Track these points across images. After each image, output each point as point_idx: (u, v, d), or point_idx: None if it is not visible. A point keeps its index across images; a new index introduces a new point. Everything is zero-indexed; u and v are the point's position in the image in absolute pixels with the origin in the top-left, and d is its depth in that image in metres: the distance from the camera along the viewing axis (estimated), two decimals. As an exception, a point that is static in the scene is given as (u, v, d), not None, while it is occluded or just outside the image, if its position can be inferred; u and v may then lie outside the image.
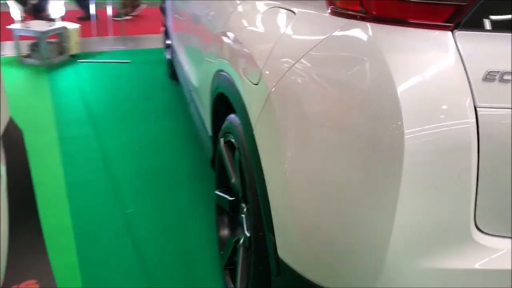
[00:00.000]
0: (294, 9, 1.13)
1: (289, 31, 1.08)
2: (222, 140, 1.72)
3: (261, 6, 1.34)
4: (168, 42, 4.14)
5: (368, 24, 0.87)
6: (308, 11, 1.07)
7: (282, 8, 1.20)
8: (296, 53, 1.01)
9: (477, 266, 0.88)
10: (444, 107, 0.81)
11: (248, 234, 1.38)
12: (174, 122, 3.24)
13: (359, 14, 0.89)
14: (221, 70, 1.59)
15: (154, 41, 5.23)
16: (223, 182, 1.85)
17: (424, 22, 0.83)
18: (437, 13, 0.82)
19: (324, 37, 0.94)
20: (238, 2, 1.54)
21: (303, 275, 1.06)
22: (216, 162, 1.86)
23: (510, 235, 0.89)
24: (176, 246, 2.00)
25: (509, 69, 0.80)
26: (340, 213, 0.92)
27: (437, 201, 0.84)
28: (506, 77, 0.80)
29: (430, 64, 0.82)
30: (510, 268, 0.86)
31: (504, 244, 0.88)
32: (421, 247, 0.86)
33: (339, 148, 0.90)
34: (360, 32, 0.88)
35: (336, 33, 0.92)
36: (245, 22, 1.38)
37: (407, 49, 0.83)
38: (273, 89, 1.07)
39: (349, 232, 0.91)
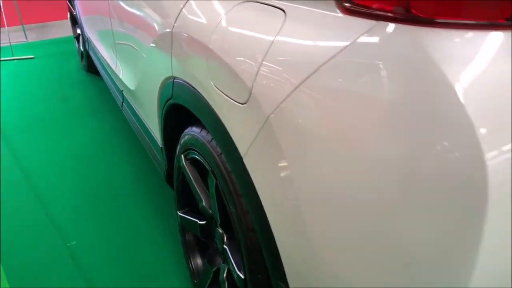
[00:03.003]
0: (281, 5, 0.89)
1: (283, 36, 0.85)
2: (183, 157, 1.46)
3: (223, 1, 1.08)
4: (78, 31, 3.66)
5: (410, 28, 0.67)
6: (304, 7, 0.84)
7: (261, 3, 0.95)
8: (303, 67, 0.78)
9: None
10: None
11: (241, 275, 1.16)
12: (103, 124, 2.86)
13: (394, 15, 0.68)
14: (176, 78, 1.32)
15: (59, 29, 4.65)
16: (186, 203, 1.61)
17: (482, 22, 0.65)
18: (497, 9, 0.64)
19: (345, 44, 0.72)
20: (182, 2, 1.26)
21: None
22: (175, 180, 1.60)
23: None
24: (135, 275, 1.73)
25: None
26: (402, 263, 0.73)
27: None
28: None
29: (496, 74, 0.65)
30: None
31: None
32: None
33: (387, 182, 0.71)
34: (400, 38, 0.67)
35: (363, 39, 0.71)
36: (206, 21, 1.11)
37: (467, 58, 0.65)
38: (273, 112, 0.84)
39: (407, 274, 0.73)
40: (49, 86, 3.46)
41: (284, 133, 0.83)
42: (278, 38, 0.86)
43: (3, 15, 4.23)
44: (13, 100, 3.22)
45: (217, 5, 1.10)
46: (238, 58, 0.96)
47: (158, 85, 1.50)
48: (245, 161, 0.98)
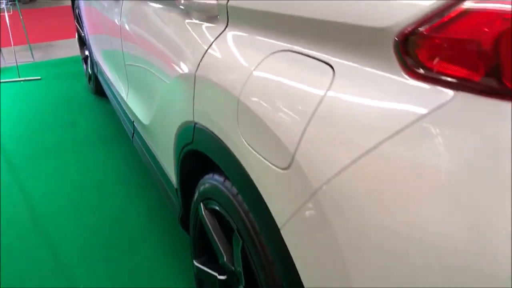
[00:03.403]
0: (328, 60, 0.78)
1: (333, 97, 0.73)
2: (202, 206, 1.34)
3: (256, 48, 0.96)
4: (87, 52, 3.58)
5: (500, 102, 0.55)
6: (357, 66, 0.73)
7: (301, 54, 0.84)
8: (366, 136, 0.66)
9: None
10: None
11: None
12: (112, 153, 2.74)
13: (480, 86, 0.57)
14: (197, 123, 1.21)
15: (66, 49, 4.57)
16: (204, 252, 1.48)
17: None
18: None
19: (419, 113, 0.60)
20: (210, 38, 1.15)
21: None
22: (192, 227, 1.48)
23: None
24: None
25: None
26: None
27: None
28: None
29: None
30: None
31: None
32: None
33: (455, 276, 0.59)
34: (489, 112, 0.56)
35: (441, 109, 0.59)
36: (236, 69, 1.00)
37: None
38: (324, 185, 0.72)
39: None
40: (56, 109, 3.36)
41: (337, 211, 0.71)
42: (328, 98, 0.75)
43: (10, 33, 4.16)
44: (19, 125, 3.13)
45: (248, 52, 0.99)
46: (275, 116, 0.84)
47: (176, 126, 1.39)
48: (282, 232, 0.86)
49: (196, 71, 1.16)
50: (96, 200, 2.31)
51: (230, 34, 1.08)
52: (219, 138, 1.06)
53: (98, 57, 2.94)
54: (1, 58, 4.27)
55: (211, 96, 1.10)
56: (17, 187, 2.41)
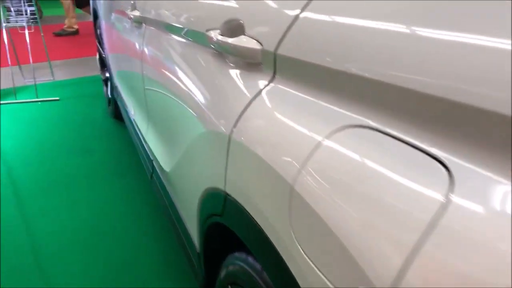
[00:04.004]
0: (441, 157, 0.52)
1: (457, 213, 0.47)
2: (231, 290, 1.09)
3: (316, 116, 0.71)
4: (107, 74, 3.39)
5: None
6: (493, 177, 0.47)
7: (387, 135, 0.58)
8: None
9: None
10: None
11: None
12: (129, 189, 2.51)
13: None
14: (229, 195, 0.95)
15: (87, 67, 4.40)
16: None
17: None
18: None
19: None
20: (248, 95, 0.90)
21: None
22: (218, 307, 1.23)
23: None
24: None
25: None
26: None
27: None
28: None
29: None
30: None
31: None
32: None
33: None
34: None
35: None
36: (287, 144, 0.74)
37: None
38: None
39: None
40: (73, 134, 3.17)
41: None
42: (449, 217, 0.48)
43: (29, 50, 4.01)
44: (34, 150, 2.94)
45: (305, 120, 0.73)
46: (355, 231, 0.58)
47: (202, 189, 1.14)
48: None
49: (231, 132, 0.91)
50: (106, 242, 2.07)
51: (277, 90, 0.83)
52: (261, 228, 0.80)
53: (118, 83, 2.74)
54: (21, 75, 4.14)
55: (251, 170, 0.84)
56: (22, 223, 2.20)
